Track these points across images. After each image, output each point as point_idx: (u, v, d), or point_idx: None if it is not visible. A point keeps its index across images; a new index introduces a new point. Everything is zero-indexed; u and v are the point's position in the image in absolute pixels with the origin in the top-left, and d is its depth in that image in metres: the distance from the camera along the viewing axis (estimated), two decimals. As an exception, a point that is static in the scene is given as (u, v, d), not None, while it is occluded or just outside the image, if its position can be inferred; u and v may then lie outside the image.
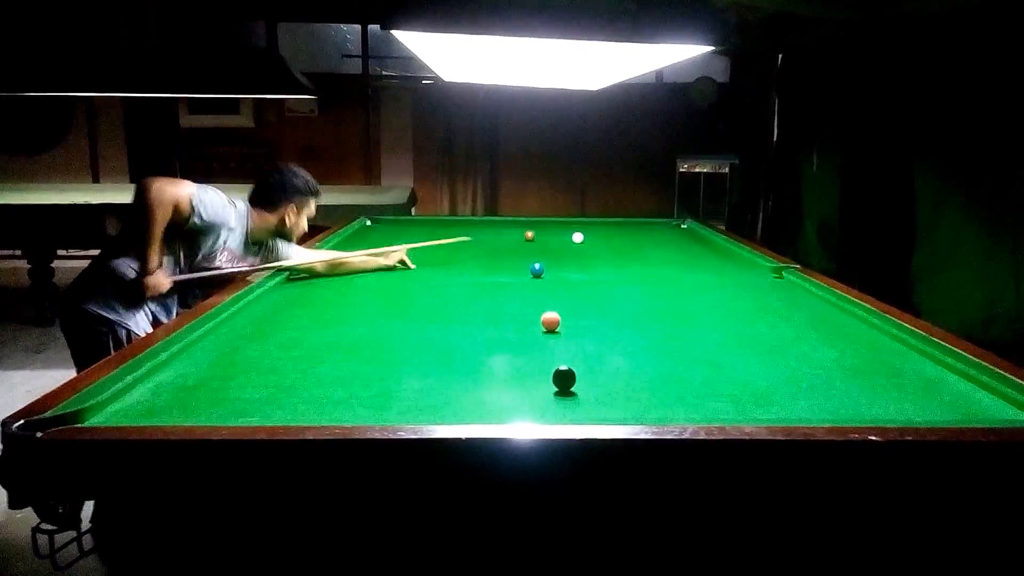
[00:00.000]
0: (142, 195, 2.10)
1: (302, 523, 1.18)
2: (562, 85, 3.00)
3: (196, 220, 2.15)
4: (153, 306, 2.23)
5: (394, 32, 1.47)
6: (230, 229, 2.25)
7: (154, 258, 2.13)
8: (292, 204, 2.34)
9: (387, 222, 3.92)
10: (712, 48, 1.52)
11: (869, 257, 4.55)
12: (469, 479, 1.14)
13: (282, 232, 2.39)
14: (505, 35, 1.39)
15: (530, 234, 3.44)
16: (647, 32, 1.40)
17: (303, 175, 2.39)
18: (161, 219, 2.10)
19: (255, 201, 2.35)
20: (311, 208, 2.41)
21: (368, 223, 3.80)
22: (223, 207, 2.23)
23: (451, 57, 2.18)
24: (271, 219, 2.34)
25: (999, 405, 1.34)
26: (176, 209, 2.12)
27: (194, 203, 2.14)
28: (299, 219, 2.38)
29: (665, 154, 7.03)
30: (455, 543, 1.19)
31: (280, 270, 2.41)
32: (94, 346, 2.08)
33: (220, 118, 6.93)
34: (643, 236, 3.57)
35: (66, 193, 5.21)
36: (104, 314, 2.13)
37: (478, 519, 1.19)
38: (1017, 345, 3.35)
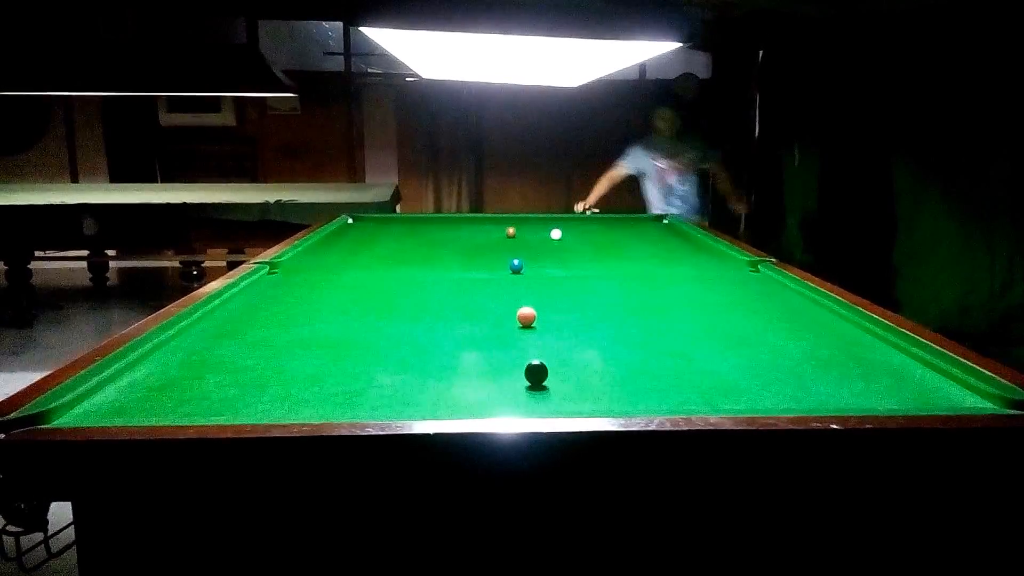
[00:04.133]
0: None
1: (270, 521, 1.18)
2: (539, 82, 3.01)
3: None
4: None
5: (363, 28, 1.46)
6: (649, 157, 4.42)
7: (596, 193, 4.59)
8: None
9: (369, 219, 3.91)
10: (679, 44, 1.53)
11: (850, 250, 4.59)
12: (437, 474, 1.14)
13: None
14: (471, 31, 1.39)
15: (512, 231, 3.44)
16: (614, 28, 1.41)
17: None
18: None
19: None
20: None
21: (349, 220, 3.78)
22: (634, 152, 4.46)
23: (424, 53, 2.18)
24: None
25: (962, 393, 1.36)
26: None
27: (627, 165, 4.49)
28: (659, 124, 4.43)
29: (649, 150, 7.03)
30: (424, 538, 1.20)
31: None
32: None
33: (201, 116, 6.88)
34: (624, 232, 3.59)
35: (44, 193, 5.16)
36: None
37: (447, 513, 1.19)
38: (991, 334, 3.40)
